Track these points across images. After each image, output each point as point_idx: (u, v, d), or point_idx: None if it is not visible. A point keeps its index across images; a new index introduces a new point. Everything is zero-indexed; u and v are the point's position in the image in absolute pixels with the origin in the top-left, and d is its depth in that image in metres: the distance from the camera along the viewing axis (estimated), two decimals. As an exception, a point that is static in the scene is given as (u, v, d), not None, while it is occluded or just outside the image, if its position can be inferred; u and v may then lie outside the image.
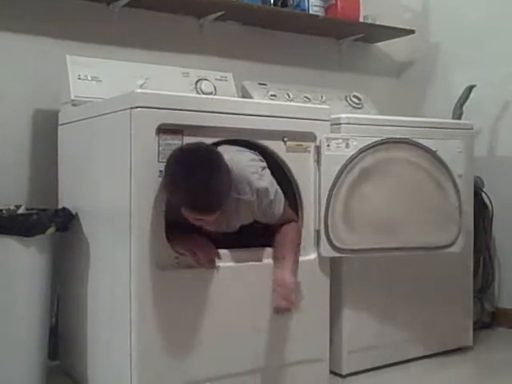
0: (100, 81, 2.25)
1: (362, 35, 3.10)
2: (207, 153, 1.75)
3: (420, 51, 3.35)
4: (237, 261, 1.91)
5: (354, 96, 2.84)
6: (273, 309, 1.86)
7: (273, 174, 1.96)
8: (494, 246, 2.97)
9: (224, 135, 1.89)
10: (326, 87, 2.85)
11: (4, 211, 2.03)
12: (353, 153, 2.08)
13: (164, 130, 1.77)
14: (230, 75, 2.59)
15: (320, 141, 2.06)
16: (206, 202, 1.70)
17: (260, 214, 1.93)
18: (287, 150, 2.01)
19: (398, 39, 3.20)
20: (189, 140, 1.81)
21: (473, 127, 2.57)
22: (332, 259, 2.11)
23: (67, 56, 2.24)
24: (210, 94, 2.45)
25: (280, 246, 1.99)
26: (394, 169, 2.16)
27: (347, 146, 2.08)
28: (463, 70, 3.09)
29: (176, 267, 1.82)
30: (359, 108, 2.81)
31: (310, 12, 2.86)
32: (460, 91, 2.90)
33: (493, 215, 2.90)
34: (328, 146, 2.06)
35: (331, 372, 2.17)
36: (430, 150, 2.22)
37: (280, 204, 1.96)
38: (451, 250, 2.28)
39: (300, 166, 2.04)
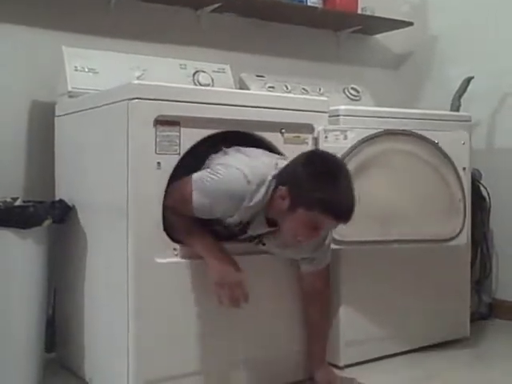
0: (97, 72, 2.25)
1: (360, 27, 3.09)
2: (345, 165, 1.83)
3: (418, 43, 3.34)
4: (237, 253, 1.91)
5: (352, 88, 2.84)
6: None
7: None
8: (491, 238, 2.98)
9: (221, 127, 1.88)
10: (323, 79, 2.84)
11: (1, 203, 2.02)
12: (351, 144, 2.08)
13: (161, 121, 1.76)
14: (227, 67, 2.58)
15: (318, 132, 2.05)
16: (351, 209, 1.69)
17: (312, 247, 1.91)
18: (285, 142, 2.00)
19: (396, 31, 3.19)
20: (186, 132, 1.81)
21: (471, 119, 2.57)
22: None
23: (64, 47, 2.23)
24: (208, 85, 2.44)
25: (318, 334, 2.05)
26: (393, 160, 2.15)
27: (345, 137, 2.08)
28: (461, 62, 3.09)
29: (174, 258, 1.82)
30: (357, 100, 2.80)
31: (308, 4, 2.85)
32: (458, 83, 2.89)
33: (490, 207, 2.90)
34: (326, 137, 2.06)
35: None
36: (432, 141, 2.21)
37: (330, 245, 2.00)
38: (454, 243, 2.27)
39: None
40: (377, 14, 3.01)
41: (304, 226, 1.69)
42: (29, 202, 2.05)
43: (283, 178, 1.75)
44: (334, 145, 2.05)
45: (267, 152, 1.92)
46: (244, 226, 1.85)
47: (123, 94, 1.77)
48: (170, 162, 1.79)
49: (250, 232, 1.86)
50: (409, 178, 2.16)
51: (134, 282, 1.76)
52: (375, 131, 2.12)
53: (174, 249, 1.83)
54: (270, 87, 2.59)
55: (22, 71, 2.33)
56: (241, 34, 2.85)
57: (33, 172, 2.34)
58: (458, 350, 2.47)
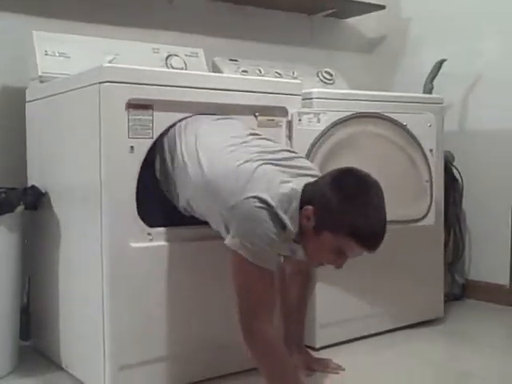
0: (68, 57, 2.21)
1: (333, 10, 3.09)
2: (378, 183, 1.62)
3: (391, 27, 3.35)
4: (211, 237, 1.90)
5: (326, 72, 2.84)
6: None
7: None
8: (464, 219, 3.02)
9: (195, 110, 1.87)
10: (297, 63, 2.84)
11: (-28, 190, 2.00)
12: (324, 127, 2.09)
13: (134, 105, 1.75)
14: (200, 51, 2.56)
15: (291, 115, 2.06)
16: (381, 237, 1.57)
17: None
18: (258, 125, 2.00)
19: (368, 15, 3.19)
20: (159, 115, 1.80)
21: (443, 101, 2.59)
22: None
23: (34, 32, 2.20)
24: (181, 69, 2.42)
25: (297, 321, 2.02)
26: (364, 143, 2.17)
27: (318, 120, 2.08)
28: (434, 45, 3.11)
29: (148, 243, 1.81)
30: (331, 84, 2.81)
31: (281, -13, 2.84)
32: (431, 66, 2.92)
33: (463, 189, 2.93)
34: (300, 120, 2.06)
35: (304, 345, 2.19)
36: (401, 123, 2.23)
37: None
38: (423, 223, 2.31)
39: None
40: (350, -2, 3.01)
41: (329, 251, 1.58)
42: (0, 188, 2.02)
43: (309, 196, 1.60)
44: (308, 128, 2.06)
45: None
46: None
47: (94, 77, 1.75)
48: (143, 145, 1.78)
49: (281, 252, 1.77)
50: (378, 160, 2.17)
51: (108, 267, 1.75)
52: (348, 114, 2.13)
53: (149, 233, 1.82)
54: (243, 71, 2.57)
55: (-9, 56, 2.30)
56: (214, 18, 2.83)
57: (4, 158, 2.30)
58: (432, 330, 2.50)
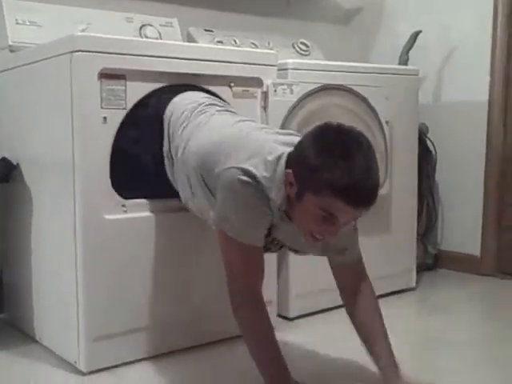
0: (39, 26, 2.16)
1: (309, -19, 3.07)
2: (363, 135, 1.45)
3: (367, -2, 3.34)
4: (186, 209, 1.90)
5: (302, 43, 2.82)
6: None
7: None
8: (437, 191, 3.05)
9: (169, 80, 1.85)
10: (273, 34, 2.81)
11: None
12: (296, 99, 2.09)
13: (106, 74, 1.72)
14: (175, 21, 2.52)
15: (267, 86, 2.05)
16: (370, 191, 1.38)
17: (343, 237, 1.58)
18: (234, 96, 1.99)
19: (345, -15, 3.18)
20: (132, 85, 1.78)
21: (418, 73, 2.60)
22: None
23: (3, 0, 2.15)
24: (155, 40, 2.39)
25: (377, 337, 1.63)
26: (331, 114, 2.18)
27: (291, 91, 2.08)
28: (409, 17, 3.11)
29: (123, 215, 1.81)
30: (306, 55, 2.79)
31: (257, -44, 2.80)
32: (406, 38, 2.91)
33: (436, 160, 2.96)
34: (275, 91, 2.06)
35: (279, 315, 2.21)
36: (362, 96, 2.27)
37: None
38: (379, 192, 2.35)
39: (247, 111, 2.00)
40: (326, -32, 2.99)
41: (317, 217, 1.40)
42: (-29, 160, 2.00)
43: (291, 158, 1.46)
44: (282, 98, 2.06)
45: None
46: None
47: (65, 46, 1.72)
48: (117, 116, 1.76)
49: (280, 238, 1.62)
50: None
51: (82, 239, 1.74)
52: (317, 86, 2.14)
53: (123, 205, 1.81)
54: (218, 42, 2.55)
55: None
56: (188, -13, 2.79)
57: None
58: (404, 300, 2.55)
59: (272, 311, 2.13)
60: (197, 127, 1.70)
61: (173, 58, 1.85)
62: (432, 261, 3.04)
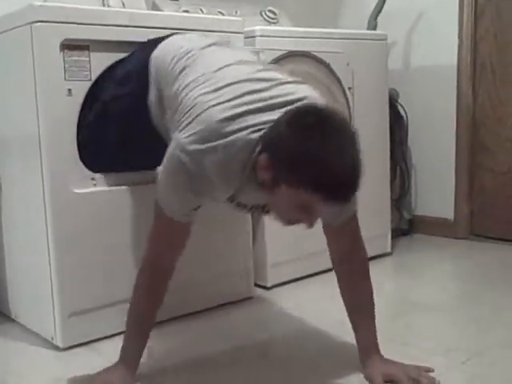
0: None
1: None
2: (346, 122, 1.35)
3: (334, -36, 3.31)
4: (134, 183, 1.87)
5: (270, 11, 2.79)
6: None
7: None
8: (410, 156, 3.06)
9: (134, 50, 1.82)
10: (240, 2, 2.77)
11: None
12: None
13: (69, 45, 1.68)
14: (139, -10, 2.48)
15: (234, 54, 2.02)
16: (349, 184, 1.26)
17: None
18: (201, 65, 1.96)
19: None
20: (96, 56, 1.74)
21: (386, 38, 2.59)
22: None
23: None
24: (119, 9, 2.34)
25: (363, 314, 1.56)
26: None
27: (259, 59, 2.05)
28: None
29: (92, 188, 1.78)
30: (274, 23, 2.76)
31: None
32: (374, 3, 2.90)
33: (408, 126, 2.97)
34: (242, 59, 2.03)
35: (256, 285, 2.22)
36: (325, 62, 2.26)
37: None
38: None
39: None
40: None
41: (290, 207, 1.30)
42: None
43: (266, 140, 1.32)
44: (251, 66, 2.03)
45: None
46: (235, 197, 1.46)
47: (24, 17, 1.67)
48: (81, 88, 1.72)
49: (245, 201, 1.49)
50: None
51: (52, 214, 1.71)
52: (282, 53, 2.13)
53: (92, 178, 1.79)
54: (184, 11, 2.50)
55: None
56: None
57: None
58: (380, 265, 2.56)
59: (249, 280, 2.15)
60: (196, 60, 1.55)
61: (137, 27, 1.81)
62: (407, 226, 3.07)
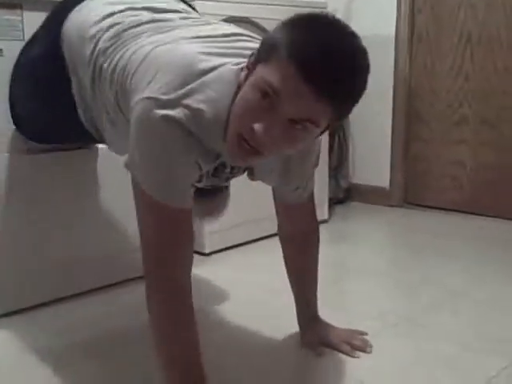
0: None
1: None
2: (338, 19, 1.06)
3: None
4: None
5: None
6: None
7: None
8: (348, 126, 3.10)
9: (69, 11, 1.76)
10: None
11: None
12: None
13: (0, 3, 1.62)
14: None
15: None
16: (325, 57, 0.97)
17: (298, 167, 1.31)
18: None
19: None
20: (29, 15, 1.67)
21: (326, 6, 2.59)
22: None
23: None
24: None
25: (308, 281, 1.56)
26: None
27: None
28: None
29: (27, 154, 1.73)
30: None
31: None
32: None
33: (346, 95, 2.99)
34: (182, 23, 2.00)
35: (194, 252, 2.21)
36: (264, 28, 2.26)
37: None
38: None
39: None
40: None
41: (254, 99, 1.01)
42: None
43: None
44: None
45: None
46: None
47: None
48: (14, 48, 1.65)
49: (228, 162, 1.23)
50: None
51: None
52: (222, 18, 2.10)
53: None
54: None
55: None
56: None
57: None
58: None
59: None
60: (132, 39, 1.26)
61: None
62: (344, 194, 3.12)
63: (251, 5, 2.27)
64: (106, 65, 1.26)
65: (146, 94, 1.08)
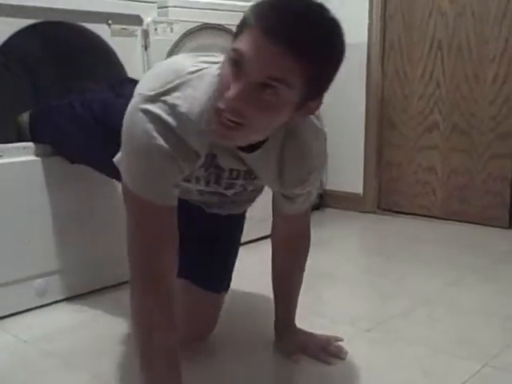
0: None
1: None
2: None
3: None
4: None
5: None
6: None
7: (97, 59, 1.84)
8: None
9: (43, 16, 1.75)
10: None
11: None
12: (177, 38, 2.05)
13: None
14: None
15: (147, 24, 1.98)
16: (284, 21, 0.98)
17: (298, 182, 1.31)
18: (112, 34, 1.91)
19: None
20: (2, 21, 1.66)
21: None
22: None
23: None
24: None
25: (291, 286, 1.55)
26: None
27: (172, 30, 2.03)
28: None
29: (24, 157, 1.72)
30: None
31: None
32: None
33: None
34: (156, 30, 2.00)
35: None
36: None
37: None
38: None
39: (127, 51, 1.95)
40: None
41: (226, 71, 1.03)
42: None
43: None
44: (163, 37, 2.00)
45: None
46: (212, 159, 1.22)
47: None
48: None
49: (222, 163, 1.24)
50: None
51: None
52: (197, 24, 2.11)
53: (24, 148, 1.76)
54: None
55: None
56: None
57: None
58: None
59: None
60: None
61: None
62: (318, 200, 3.13)
63: (225, 12, 2.26)
64: None
65: (137, 90, 1.14)
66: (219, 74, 1.07)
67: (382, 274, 2.19)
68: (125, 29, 1.94)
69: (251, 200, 1.50)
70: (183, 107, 1.10)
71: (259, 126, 1.07)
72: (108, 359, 1.50)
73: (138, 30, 1.98)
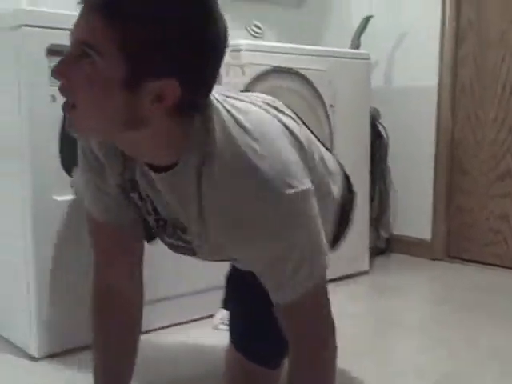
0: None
1: (261, -37, 3.04)
2: None
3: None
4: None
5: (255, 25, 2.80)
6: None
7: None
8: (389, 175, 3.08)
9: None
10: (225, 15, 2.78)
11: None
12: (247, 81, 2.07)
13: (54, 51, 1.66)
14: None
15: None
16: None
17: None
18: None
19: (297, -31, 3.16)
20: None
21: (369, 57, 2.61)
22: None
23: None
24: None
25: None
26: (278, 96, 2.16)
27: (243, 73, 2.07)
28: (361, 1, 3.12)
29: (72, 196, 1.76)
30: (260, 37, 2.77)
31: None
32: (359, 22, 2.93)
33: (388, 145, 2.99)
34: (227, 72, 2.03)
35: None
36: (308, 78, 2.28)
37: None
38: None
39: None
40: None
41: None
42: None
43: None
44: (234, 80, 2.04)
45: None
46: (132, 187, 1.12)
47: (11, 20, 1.66)
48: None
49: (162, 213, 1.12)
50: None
51: (32, 222, 1.70)
52: (267, 68, 2.14)
53: (72, 186, 1.77)
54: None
55: None
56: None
57: None
58: (357, 283, 2.57)
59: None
60: None
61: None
62: (384, 245, 3.08)
63: (295, 55, 2.30)
64: None
65: None
66: None
67: (450, 325, 2.11)
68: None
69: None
70: None
71: (88, 106, 0.91)
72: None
73: (211, 72, 2.02)
